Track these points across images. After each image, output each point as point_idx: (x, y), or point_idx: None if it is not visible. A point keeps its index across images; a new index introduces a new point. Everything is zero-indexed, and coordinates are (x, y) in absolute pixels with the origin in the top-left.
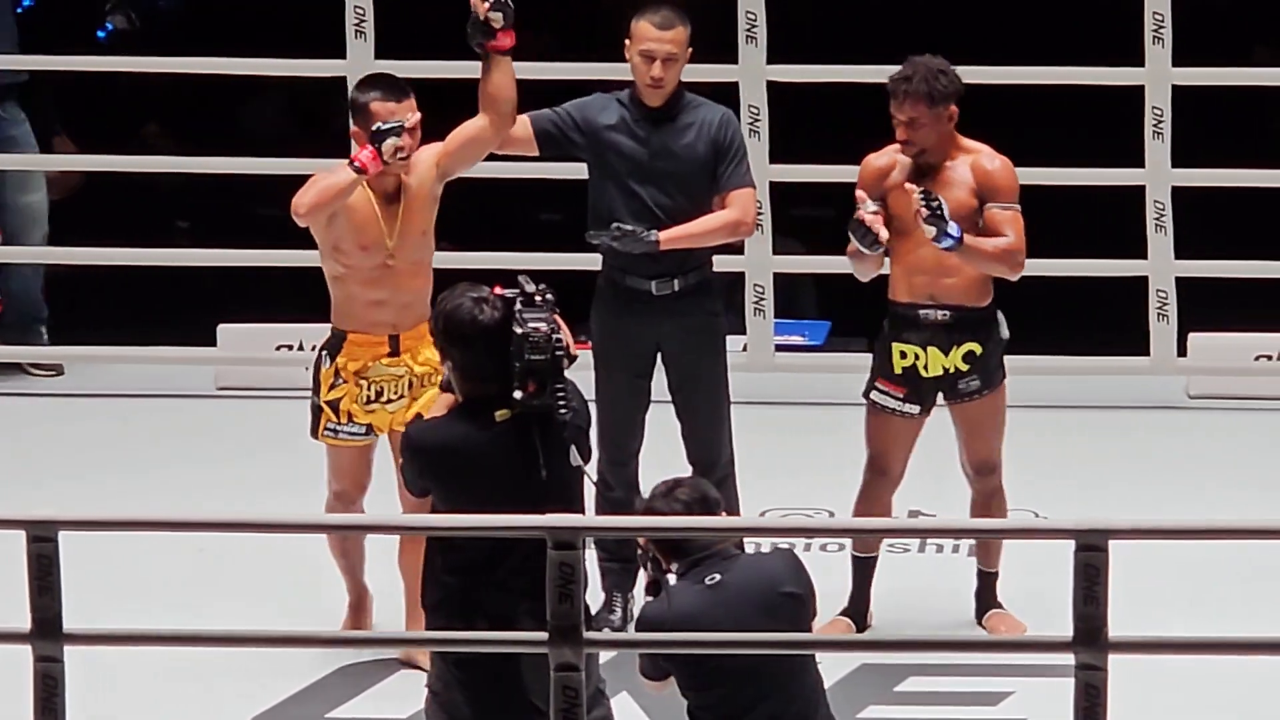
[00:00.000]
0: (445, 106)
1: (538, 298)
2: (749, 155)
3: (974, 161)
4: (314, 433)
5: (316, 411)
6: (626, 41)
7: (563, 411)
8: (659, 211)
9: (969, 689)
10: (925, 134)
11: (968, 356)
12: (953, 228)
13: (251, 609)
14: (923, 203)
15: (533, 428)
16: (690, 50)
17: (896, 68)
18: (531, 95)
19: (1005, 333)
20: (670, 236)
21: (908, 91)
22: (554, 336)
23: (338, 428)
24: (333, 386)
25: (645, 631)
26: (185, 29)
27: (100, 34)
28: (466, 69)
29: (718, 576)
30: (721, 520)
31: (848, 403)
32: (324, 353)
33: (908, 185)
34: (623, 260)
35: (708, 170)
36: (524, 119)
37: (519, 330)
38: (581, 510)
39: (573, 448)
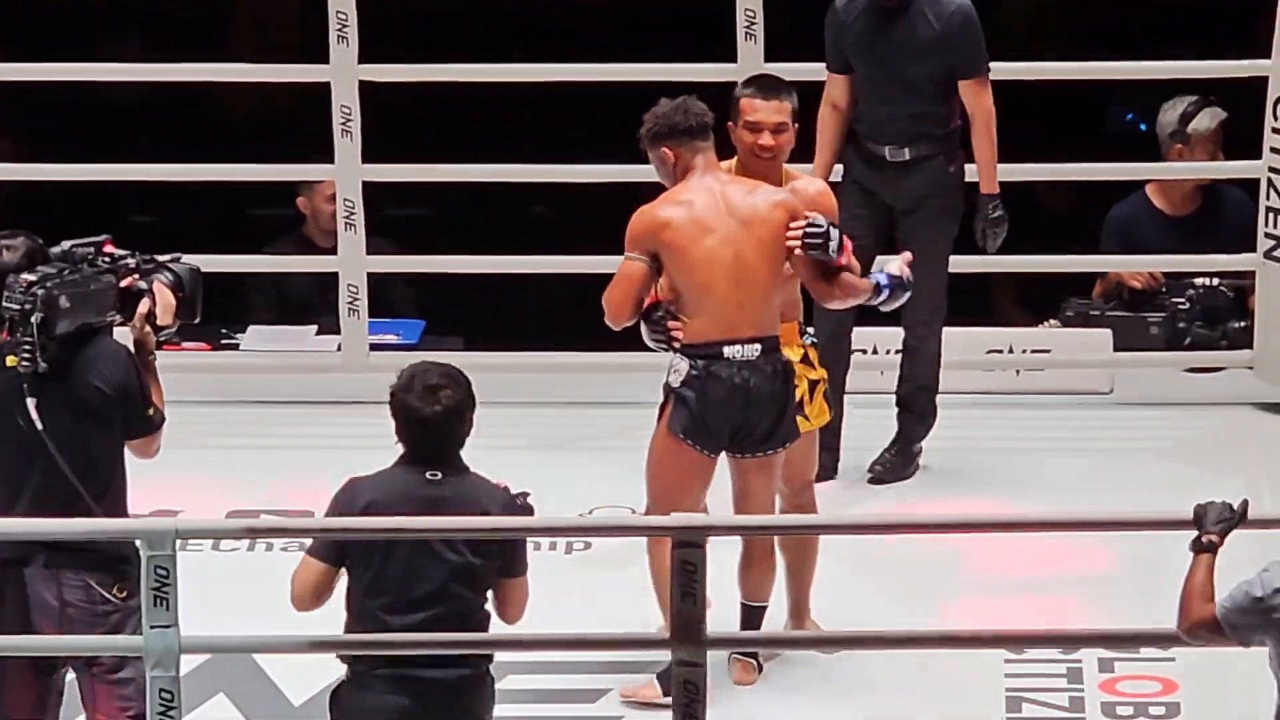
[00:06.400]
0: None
1: (76, 250)
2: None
3: None
4: None
5: None
6: None
7: (25, 363)
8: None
9: (567, 686)
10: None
11: None
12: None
13: None
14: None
15: (33, 380)
16: None
17: (486, 65)
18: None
19: (671, 378)
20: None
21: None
22: (33, 288)
23: None
24: None
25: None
26: None
27: None
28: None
29: (440, 475)
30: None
31: None
32: None
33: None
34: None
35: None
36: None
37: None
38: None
39: (30, 402)
